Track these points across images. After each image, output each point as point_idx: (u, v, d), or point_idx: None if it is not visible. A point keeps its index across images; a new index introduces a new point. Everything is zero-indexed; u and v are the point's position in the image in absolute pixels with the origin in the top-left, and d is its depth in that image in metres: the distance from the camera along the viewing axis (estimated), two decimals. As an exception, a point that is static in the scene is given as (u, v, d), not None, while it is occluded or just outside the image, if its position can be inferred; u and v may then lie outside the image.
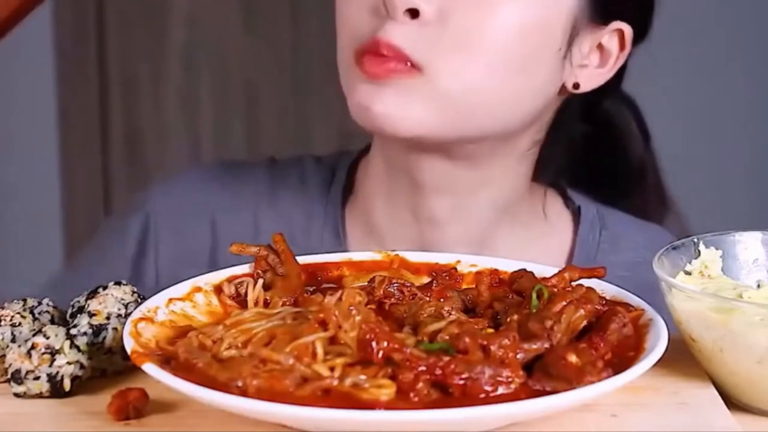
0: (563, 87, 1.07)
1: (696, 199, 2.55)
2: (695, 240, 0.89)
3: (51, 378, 0.80)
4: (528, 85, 1.03)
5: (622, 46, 1.08)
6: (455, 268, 0.93)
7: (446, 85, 0.99)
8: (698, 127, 2.63)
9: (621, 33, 1.07)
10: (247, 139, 2.75)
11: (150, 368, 0.74)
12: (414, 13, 0.98)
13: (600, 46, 1.07)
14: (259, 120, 2.74)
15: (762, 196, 2.62)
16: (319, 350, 0.75)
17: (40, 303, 0.87)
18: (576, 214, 1.18)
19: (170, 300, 0.85)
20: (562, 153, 1.16)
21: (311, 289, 0.90)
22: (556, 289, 0.85)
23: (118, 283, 0.87)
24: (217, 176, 1.21)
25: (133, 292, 0.86)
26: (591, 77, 1.08)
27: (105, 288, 0.86)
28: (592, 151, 1.22)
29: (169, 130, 2.75)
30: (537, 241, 1.15)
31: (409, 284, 0.88)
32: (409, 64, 0.99)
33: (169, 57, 2.72)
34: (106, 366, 0.83)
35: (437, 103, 1.00)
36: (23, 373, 0.80)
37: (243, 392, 0.72)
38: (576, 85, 1.07)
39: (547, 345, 0.77)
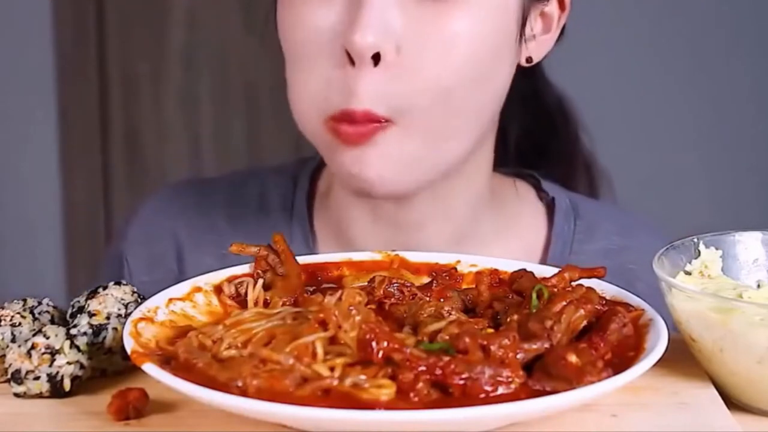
0: (517, 65, 1.06)
1: (697, 198, 2.56)
2: (695, 240, 0.89)
3: (51, 378, 0.79)
4: (496, 83, 1.02)
5: (562, 8, 1.07)
6: (455, 268, 0.93)
7: (420, 125, 0.97)
8: (699, 126, 2.63)
9: None
10: (247, 139, 2.75)
11: (150, 368, 0.74)
12: (376, 58, 0.95)
13: (542, 13, 1.06)
14: (259, 120, 2.74)
15: (763, 196, 2.62)
16: (319, 350, 0.75)
17: (40, 303, 0.87)
18: (550, 205, 1.17)
19: (170, 300, 0.85)
20: (516, 129, 1.16)
21: (311, 289, 0.90)
22: (556, 289, 0.85)
23: (118, 283, 0.87)
24: (180, 198, 1.21)
25: (133, 292, 0.86)
26: (540, 46, 1.07)
27: (105, 288, 0.86)
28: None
29: (169, 130, 2.75)
30: (511, 233, 1.14)
31: (409, 284, 0.88)
32: (383, 121, 0.96)
33: (169, 57, 2.72)
34: (106, 366, 0.83)
35: (418, 145, 0.98)
36: (23, 373, 0.80)
37: (243, 392, 0.72)
38: (529, 59, 1.06)
39: (547, 345, 0.77)
